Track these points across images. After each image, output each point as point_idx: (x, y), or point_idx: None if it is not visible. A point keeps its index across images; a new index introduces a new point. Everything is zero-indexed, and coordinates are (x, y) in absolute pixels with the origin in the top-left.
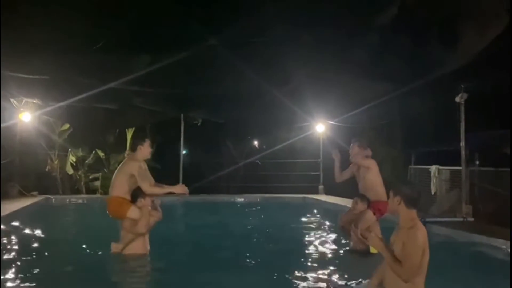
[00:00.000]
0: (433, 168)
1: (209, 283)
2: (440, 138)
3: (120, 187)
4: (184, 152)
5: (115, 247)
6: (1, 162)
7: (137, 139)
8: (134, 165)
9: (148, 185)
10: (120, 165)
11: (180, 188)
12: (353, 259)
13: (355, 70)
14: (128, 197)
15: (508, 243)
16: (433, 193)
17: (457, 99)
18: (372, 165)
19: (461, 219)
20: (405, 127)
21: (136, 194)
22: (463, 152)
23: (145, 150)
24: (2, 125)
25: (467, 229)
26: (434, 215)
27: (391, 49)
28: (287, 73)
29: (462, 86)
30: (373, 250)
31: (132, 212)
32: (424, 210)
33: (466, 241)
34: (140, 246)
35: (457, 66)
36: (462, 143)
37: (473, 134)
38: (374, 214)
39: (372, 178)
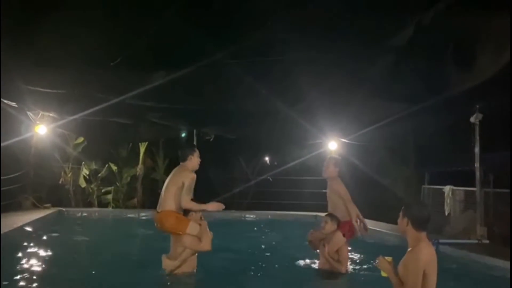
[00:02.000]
0: (447, 189)
1: None
2: (454, 158)
3: (173, 200)
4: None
5: (169, 264)
6: (16, 174)
7: (187, 149)
8: (188, 175)
9: (188, 199)
10: (171, 176)
11: (215, 206)
12: (321, 278)
13: (369, 90)
14: (181, 211)
15: None
16: (446, 213)
17: (472, 119)
18: (341, 185)
19: (476, 241)
20: (419, 146)
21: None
22: (477, 173)
23: (195, 160)
24: (18, 138)
25: (482, 251)
26: (448, 237)
27: (405, 69)
28: (300, 91)
29: (477, 106)
30: (383, 273)
31: (193, 228)
32: (438, 231)
33: (481, 263)
34: (192, 264)
35: (472, 86)
36: (477, 164)
37: (488, 154)
38: (344, 235)
39: (334, 198)
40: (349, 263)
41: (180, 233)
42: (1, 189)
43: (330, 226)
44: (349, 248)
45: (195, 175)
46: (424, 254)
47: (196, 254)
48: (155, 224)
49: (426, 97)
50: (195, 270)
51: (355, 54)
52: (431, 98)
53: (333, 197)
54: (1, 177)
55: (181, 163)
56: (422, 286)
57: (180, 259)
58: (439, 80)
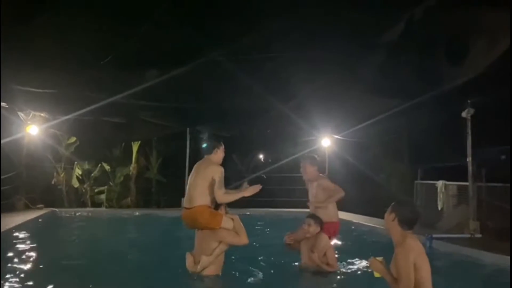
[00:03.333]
0: (440, 184)
1: None
2: (447, 153)
3: (204, 195)
4: (204, 145)
5: (205, 260)
6: (8, 175)
7: (214, 142)
8: (217, 169)
9: (223, 192)
10: (197, 170)
11: (252, 189)
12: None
13: (362, 86)
14: (212, 206)
15: None
16: (439, 208)
17: (464, 114)
18: (328, 183)
19: (469, 235)
20: (412, 142)
21: (216, 204)
22: (470, 168)
23: (221, 154)
24: (9, 138)
25: (475, 245)
26: (441, 231)
27: (398, 65)
28: (293, 87)
29: (469, 101)
30: (376, 274)
31: (227, 222)
32: (431, 226)
33: (474, 257)
34: (220, 264)
35: (464, 81)
36: (469, 159)
37: (480, 149)
38: (330, 237)
39: (324, 197)
40: (337, 261)
41: (216, 227)
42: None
43: (314, 228)
44: (339, 243)
45: (223, 169)
46: (412, 248)
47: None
48: (184, 222)
49: (419, 93)
50: (220, 273)
51: (347, 50)
52: (423, 93)
53: (322, 197)
54: None
55: (205, 156)
56: (416, 279)
57: (214, 254)
58: (431, 76)
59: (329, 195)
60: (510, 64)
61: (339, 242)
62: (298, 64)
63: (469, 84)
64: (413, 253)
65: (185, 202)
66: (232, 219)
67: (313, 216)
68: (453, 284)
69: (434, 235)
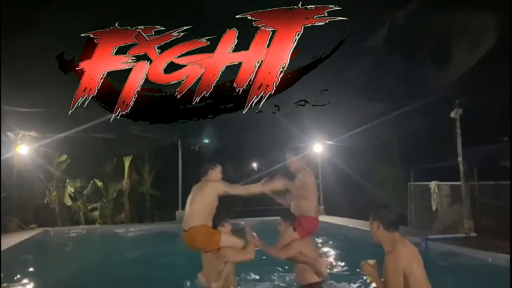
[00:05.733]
0: (433, 184)
1: None
2: (439, 154)
3: (201, 214)
4: (206, 141)
5: (216, 287)
6: None
7: (207, 164)
8: (217, 184)
9: (240, 187)
10: (195, 190)
11: (280, 182)
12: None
13: (351, 91)
14: (210, 225)
15: None
16: (434, 209)
17: (452, 114)
18: (308, 181)
19: (464, 235)
20: (403, 144)
21: (216, 222)
22: (461, 167)
23: (217, 174)
24: None
25: (470, 245)
26: (437, 232)
27: (384, 69)
28: (284, 94)
29: (457, 101)
30: (369, 278)
31: (226, 239)
32: (426, 227)
33: (470, 257)
34: (232, 281)
35: (451, 82)
36: (460, 158)
37: (471, 148)
38: (295, 230)
39: (303, 190)
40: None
41: (215, 247)
42: None
43: (283, 226)
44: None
45: (224, 182)
46: (402, 256)
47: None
48: (185, 245)
49: (407, 96)
50: None
51: (335, 56)
52: (411, 97)
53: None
54: None
55: (202, 179)
56: (406, 285)
57: (222, 277)
58: (418, 78)
59: (301, 194)
60: (510, 64)
61: (336, 248)
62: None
63: (456, 84)
64: (403, 260)
65: (183, 224)
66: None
67: (283, 216)
68: (451, 284)
69: (430, 236)
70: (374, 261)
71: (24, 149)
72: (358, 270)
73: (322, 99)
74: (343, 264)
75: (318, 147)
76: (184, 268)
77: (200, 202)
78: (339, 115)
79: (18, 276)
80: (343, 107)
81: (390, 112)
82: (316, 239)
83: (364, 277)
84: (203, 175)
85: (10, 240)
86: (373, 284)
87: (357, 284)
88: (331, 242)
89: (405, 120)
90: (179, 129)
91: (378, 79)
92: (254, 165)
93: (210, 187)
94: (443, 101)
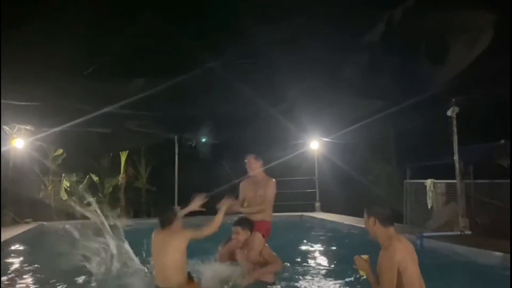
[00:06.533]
0: (428, 182)
1: None
2: (434, 152)
3: (180, 270)
4: (203, 140)
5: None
6: None
7: (169, 213)
8: (183, 236)
9: (206, 230)
10: (164, 243)
11: (198, 202)
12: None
13: (347, 88)
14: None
15: (507, 255)
16: (429, 207)
17: (449, 112)
18: (270, 193)
19: (459, 232)
20: (399, 142)
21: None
22: (457, 166)
23: (179, 224)
24: None
25: (465, 242)
26: (432, 230)
27: (381, 66)
28: (280, 91)
29: (453, 100)
30: (361, 272)
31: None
32: (421, 224)
33: (464, 255)
34: None
35: (448, 80)
36: (456, 157)
37: (467, 147)
38: (263, 236)
39: (267, 196)
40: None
41: None
42: None
43: (243, 234)
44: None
45: (187, 231)
46: (397, 252)
47: None
48: None
49: (404, 94)
50: None
51: (332, 53)
52: (408, 94)
53: (258, 201)
54: None
55: (164, 227)
56: (399, 282)
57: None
58: (415, 76)
59: (258, 206)
60: (510, 62)
61: (331, 244)
62: (284, 68)
63: (453, 83)
64: (398, 256)
65: (158, 280)
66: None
67: (239, 223)
68: (445, 281)
69: (425, 234)
70: (367, 256)
71: (20, 143)
72: (348, 264)
73: (318, 96)
74: (337, 259)
75: (315, 144)
76: None
77: (173, 258)
78: (335, 112)
79: (13, 268)
80: (339, 104)
81: (386, 110)
82: (312, 236)
83: (358, 274)
84: (165, 225)
85: (5, 234)
86: (366, 280)
87: (350, 279)
88: (326, 238)
89: (401, 117)
90: (176, 125)
91: (374, 76)
92: None
93: (179, 241)
94: (439, 99)
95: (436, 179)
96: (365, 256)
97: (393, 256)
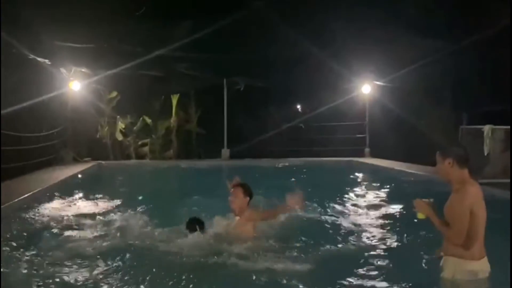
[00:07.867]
0: (487, 128)
1: None
2: (494, 97)
3: None
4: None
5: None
6: (56, 130)
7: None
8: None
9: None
10: None
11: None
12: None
13: (403, 26)
14: None
15: None
16: (486, 154)
17: None
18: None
19: None
20: (457, 86)
21: None
22: None
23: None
24: (53, 93)
25: None
26: (488, 177)
27: (441, 2)
28: (330, 33)
29: None
30: (420, 215)
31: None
32: (477, 172)
33: None
34: None
35: None
36: None
37: None
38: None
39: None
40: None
41: None
42: (39, 145)
43: (241, 200)
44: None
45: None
46: (470, 195)
47: None
48: None
49: (464, 34)
50: None
51: None
52: (470, 32)
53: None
54: (42, 133)
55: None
56: (470, 225)
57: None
58: (477, 15)
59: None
60: None
61: (380, 189)
62: (334, 5)
63: None
64: (471, 199)
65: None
66: None
67: (243, 186)
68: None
69: (480, 181)
70: (431, 200)
71: (76, 85)
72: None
73: (370, 36)
74: (388, 204)
75: (366, 88)
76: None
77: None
78: (388, 53)
79: (75, 198)
80: (395, 44)
81: (445, 50)
82: (362, 181)
83: (414, 210)
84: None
85: (68, 171)
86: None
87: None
88: (376, 184)
89: (461, 61)
90: (224, 68)
91: (433, 13)
92: (299, 106)
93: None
94: (503, 42)
95: (495, 125)
96: (426, 200)
97: (467, 199)
